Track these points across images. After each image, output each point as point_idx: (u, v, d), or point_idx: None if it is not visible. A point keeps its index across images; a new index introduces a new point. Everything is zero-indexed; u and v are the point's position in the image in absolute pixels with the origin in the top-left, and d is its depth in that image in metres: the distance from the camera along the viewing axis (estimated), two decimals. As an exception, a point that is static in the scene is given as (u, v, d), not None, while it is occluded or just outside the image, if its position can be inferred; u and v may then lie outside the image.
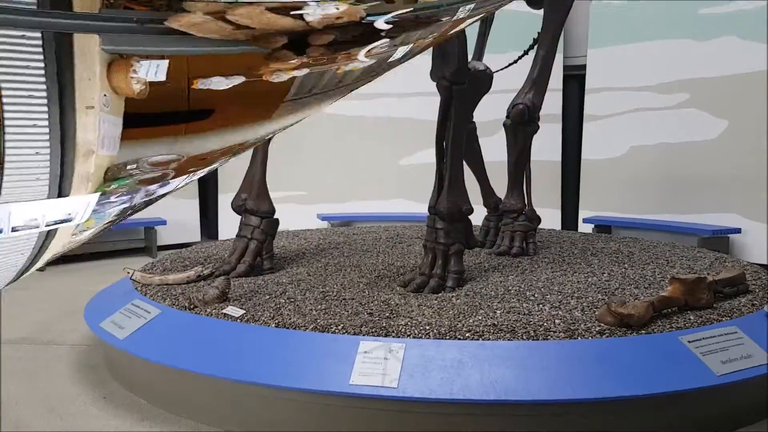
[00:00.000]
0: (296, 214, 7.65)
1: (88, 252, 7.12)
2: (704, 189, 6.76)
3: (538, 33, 4.49)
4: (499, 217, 4.55)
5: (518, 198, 4.35)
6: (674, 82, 6.94)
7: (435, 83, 3.37)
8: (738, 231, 6.46)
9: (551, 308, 2.81)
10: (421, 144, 7.46)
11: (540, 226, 4.70)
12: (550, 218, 7.31)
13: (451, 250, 3.30)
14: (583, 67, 7.67)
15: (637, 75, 7.18)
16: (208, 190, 8.52)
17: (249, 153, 3.87)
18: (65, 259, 6.95)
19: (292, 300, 3.01)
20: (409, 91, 7.77)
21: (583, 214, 7.52)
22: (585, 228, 7.26)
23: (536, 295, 3.03)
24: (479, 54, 4.75)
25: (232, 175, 7.31)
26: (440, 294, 3.11)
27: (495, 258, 4.06)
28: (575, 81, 7.88)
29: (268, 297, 3.07)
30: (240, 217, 3.81)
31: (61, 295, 5.11)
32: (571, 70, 7.85)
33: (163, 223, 7.58)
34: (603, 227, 7.13)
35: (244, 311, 2.81)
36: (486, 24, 4.83)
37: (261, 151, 3.83)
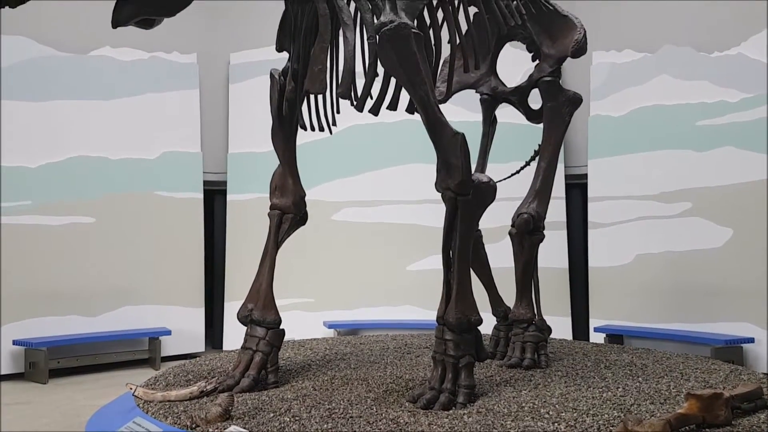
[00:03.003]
0: (303, 322, 7.58)
1: (92, 364, 7.03)
2: (714, 297, 6.71)
3: (539, 145, 4.62)
4: (509, 327, 4.48)
5: (527, 307, 4.30)
6: (676, 191, 7.06)
7: (440, 194, 3.42)
8: (751, 341, 6.35)
9: (567, 427, 2.70)
10: (429, 250, 7.50)
11: (551, 336, 4.62)
12: (561, 326, 7.22)
13: (461, 362, 3.22)
14: (585, 176, 7.83)
15: (639, 184, 7.32)
16: (214, 298, 8.49)
17: (258, 263, 3.88)
18: (68, 371, 6.86)
19: (297, 418, 2.91)
20: (415, 198, 7.92)
21: (593, 322, 7.42)
22: (596, 337, 7.13)
23: (551, 413, 2.93)
24: (482, 166, 4.86)
25: (239, 282, 7.32)
26: (451, 411, 3.01)
27: (506, 371, 3.96)
28: (578, 189, 8.02)
29: (272, 415, 2.98)
30: (245, 327, 3.76)
31: (63, 410, 4.99)
32: (572, 179, 8.02)
33: (168, 333, 7.51)
34: (615, 336, 7.01)
35: (247, 431, 2.72)
36: (488, 138, 4.97)
37: (269, 258, 3.84)
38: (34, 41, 7.40)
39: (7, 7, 2.44)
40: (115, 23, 2.81)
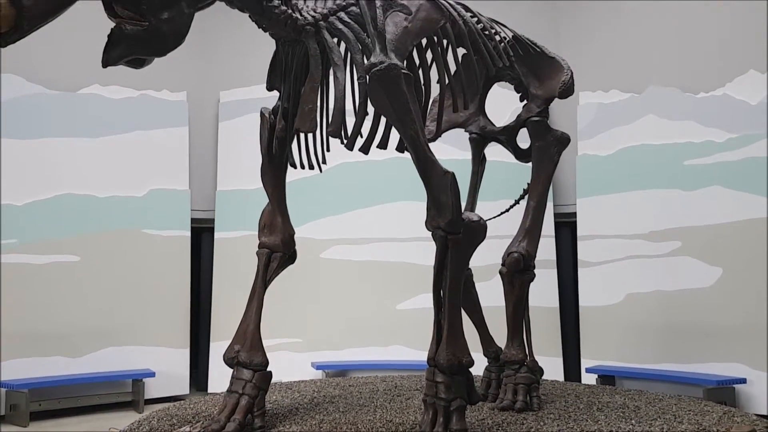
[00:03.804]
0: (290, 363, 7.45)
1: (74, 406, 6.87)
2: (705, 337, 6.68)
3: (528, 184, 4.64)
4: (501, 368, 4.42)
5: (519, 348, 4.25)
6: (665, 230, 7.08)
7: (430, 232, 3.40)
8: (743, 381, 6.30)
9: (561, 472, 2.63)
10: (419, 288, 7.45)
11: (543, 377, 4.55)
12: (552, 367, 7.14)
13: (452, 406, 3.15)
14: (574, 214, 7.86)
15: (628, 223, 7.35)
16: (200, 338, 8.35)
17: (245, 302, 3.82)
18: (50, 413, 6.71)
19: (283, 463, 2.82)
20: (404, 236, 7.89)
21: (585, 362, 7.35)
22: (588, 378, 7.06)
23: (544, 457, 2.85)
24: (472, 204, 4.86)
25: (225, 322, 7.21)
26: (442, 455, 2.93)
27: (498, 413, 3.88)
28: (567, 228, 8.04)
29: (258, 460, 2.88)
30: (231, 369, 3.68)
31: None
32: (562, 217, 8.04)
33: (152, 375, 7.36)
34: (606, 377, 6.94)
35: (232, 477, 2.62)
36: (478, 176, 4.99)
37: (256, 298, 3.78)
38: (24, 79, 7.41)
39: (-3, 46, 2.43)
40: (105, 63, 2.80)
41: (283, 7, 3.36)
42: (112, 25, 2.77)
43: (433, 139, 4.18)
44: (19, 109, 7.33)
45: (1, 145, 7.17)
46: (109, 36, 2.76)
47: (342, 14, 3.55)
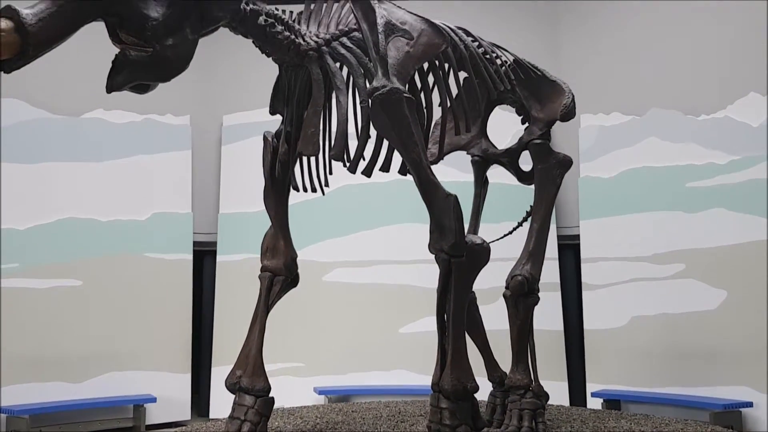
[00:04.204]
0: (292, 388, 7.38)
1: (74, 432, 6.79)
2: (711, 360, 6.62)
3: (530, 206, 4.62)
4: (506, 393, 4.37)
5: (524, 373, 4.20)
6: (669, 252, 7.05)
7: (433, 255, 3.39)
8: (750, 405, 6.22)
9: (568, 500, 2.58)
10: (422, 311, 7.40)
11: (548, 402, 4.50)
12: (557, 391, 7.06)
13: (456, 432, 3.11)
14: (577, 236, 7.83)
15: (632, 245, 7.31)
16: (201, 363, 8.28)
17: (248, 326, 3.80)
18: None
19: (286, 492, 2.77)
20: (407, 259, 7.85)
21: (590, 386, 7.27)
22: (594, 402, 6.98)
23: (550, 484, 2.81)
24: (474, 228, 4.85)
25: (227, 346, 7.15)
26: (447, 483, 2.88)
27: (503, 439, 3.83)
28: (570, 250, 8.00)
29: (260, 488, 2.84)
30: (233, 395, 3.64)
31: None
32: (565, 239, 8.01)
33: (153, 400, 7.29)
34: (612, 401, 6.86)
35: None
36: (480, 199, 4.99)
37: (258, 322, 3.76)
38: (27, 104, 7.46)
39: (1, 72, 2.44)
40: (110, 88, 2.81)
41: (287, 33, 3.39)
42: (116, 50, 2.78)
43: (436, 162, 4.19)
44: (23, 134, 7.36)
45: (3, 170, 7.18)
46: (113, 62, 2.77)
47: (344, 39, 3.59)
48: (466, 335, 3.46)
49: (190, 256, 8.14)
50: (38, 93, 7.52)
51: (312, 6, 3.74)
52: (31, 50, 2.35)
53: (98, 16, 2.60)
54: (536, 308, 4.37)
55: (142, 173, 8.00)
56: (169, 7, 2.72)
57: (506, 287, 4.28)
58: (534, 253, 4.31)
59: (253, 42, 3.42)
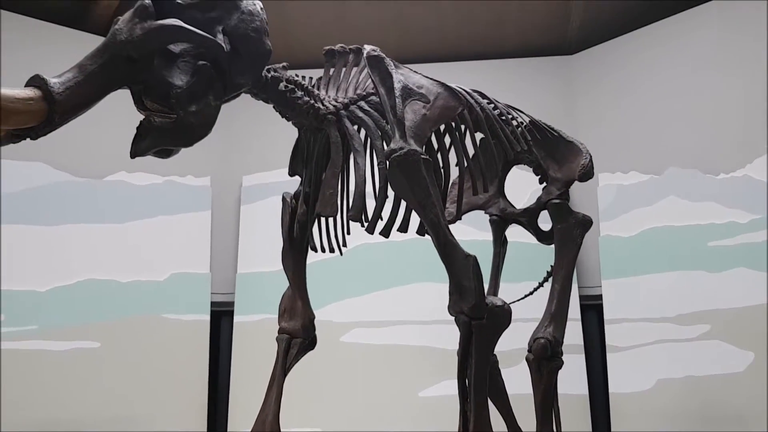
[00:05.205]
0: (309, 454, 7.19)
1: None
2: (739, 423, 6.38)
3: (551, 266, 4.58)
4: (529, 461, 4.22)
5: (548, 439, 4.07)
6: (693, 313, 6.89)
7: (453, 318, 3.34)
8: (785, 474, 5.93)
9: None
10: (443, 374, 7.23)
11: (573, 471, 4.34)
12: (583, 459, 6.82)
13: (479, 503, 2.99)
14: (600, 296, 7.69)
15: (655, 306, 7.17)
16: (217, 426, 8.12)
17: (264, 389, 3.74)
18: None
19: None
20: (427, 319, 7.73)
21: (617, 455, 7.01)
22: (621, 472, 6.72)
23: None
24: (495, 287, 4.80)
25: (244, 409, 7.04)
26: None
27: None
28: (593, 311, 7.85)
29: None
30: (249, 462, 3.56)
31: None
32: (587, 299, 7.87)
33: (167, 465, 7.13)
34: (640, 470, 6.59)
35: None
36: (499, 258, 4.96)
37: (276, 386, 3.71)
38: (51, 167, 7.62)
39: (28, 139, 2.50)
40: (134, 154, 2.88)
41: (306, 98, 3.47)
42: (140, 116, 2.85)
43: (453, 221, 4.18)
44: (45, 196, 7.49)
45: (26, 233, 7.28)
46: (137, 128, 2.84)
47: (362, 103, 3.66)
48: (489, 401, 3.38)
49: (208, 317, 8.10)
50: (61, 157, 7.69)
51: (331, 71, 3.84)
52: (58, 118, 2.42)
53: (124, 84, 2.68)
54: (560, 372, 4.27)
55: (163, 234, 8.06)
56: (194, 75, 2.79)
57: (528, 350, 4.21)
58: (556, 315, 4.25)
59: (273, 107, 3.50)
